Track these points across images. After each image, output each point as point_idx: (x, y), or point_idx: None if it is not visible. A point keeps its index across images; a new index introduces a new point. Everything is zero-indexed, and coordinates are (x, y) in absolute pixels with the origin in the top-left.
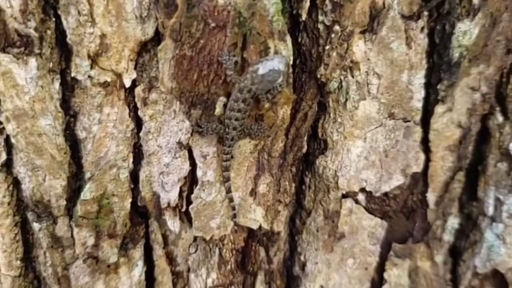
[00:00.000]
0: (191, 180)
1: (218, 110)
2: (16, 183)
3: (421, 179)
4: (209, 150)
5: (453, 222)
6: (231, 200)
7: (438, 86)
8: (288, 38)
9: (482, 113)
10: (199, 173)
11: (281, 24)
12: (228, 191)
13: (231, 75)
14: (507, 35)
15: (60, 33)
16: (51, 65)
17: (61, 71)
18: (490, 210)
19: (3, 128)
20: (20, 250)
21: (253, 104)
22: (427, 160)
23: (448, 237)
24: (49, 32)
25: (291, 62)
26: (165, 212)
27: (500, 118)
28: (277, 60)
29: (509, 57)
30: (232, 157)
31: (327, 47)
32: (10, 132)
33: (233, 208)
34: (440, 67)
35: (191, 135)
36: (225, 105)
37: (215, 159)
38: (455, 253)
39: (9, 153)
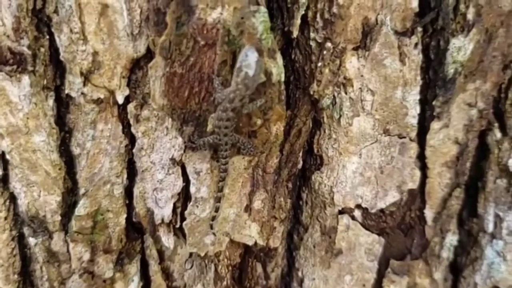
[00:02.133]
0: (185, 196)
1: (210, 127)
2: (12, 198)
3: (419, 196)
4: (202, 167)
5: (452, 239)
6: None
7: (434, 102)
8: (278, 56)
9: (480, 129)
10: (192, 189)
11: (270, 42)
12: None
13: (219, 97)
14: (503, 50)
15: (55, 50)
16: (45, 82)
17: (56, 88)
18: (490, 227)
19: None
20: (18, 264)
21: (246, 120)
22: (424, 177)
23: (447, 254)
24: (42, 49)
25: (282, 79)
26: (159, 228)
27: (498, 134)
28: (250, 53)
29: (507, 73)
30: (226, 170)
31: (319, 64)
32: (5, 148)
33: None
34: (435, 83)
35: (184, 151)
36: None
37: (209, 175)
38: (456, 270)
39: (5, 168)
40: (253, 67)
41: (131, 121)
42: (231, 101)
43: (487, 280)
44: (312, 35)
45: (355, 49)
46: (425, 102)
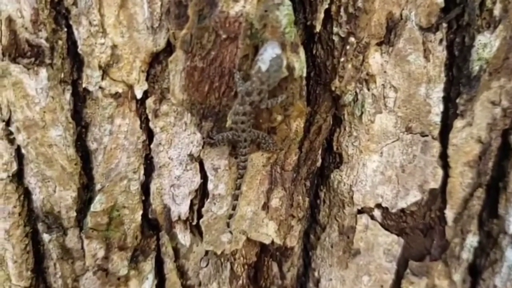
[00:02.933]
0: (202, 193)
1: (229, 122)
2: (27, 194)
3: (440, 196)
4: (220, 163)
5: (472, 240)
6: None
7: (457, 100)
8: (301, 50)
9: (503, 128)
10: (210, 186)
11: (294, 36)
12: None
13: (241, 91)
14: None
15: (72, 43)
16: (62, 75)
17: (73, 82)
18: (511, 228)
19: (14, 138)
20: (31, 261)
21: (266, 116)
22: (446, 176)
23: (467, 255)
24: (60, 42)
25: (304, 74)
26: (176, 225)
27: None
28: (270, 48)
29: None
30: (245, 167)
31: (342, 59)
32: (21, 142)
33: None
34: (459, 80)
35: (202, 147)
36: None
37: (227, 172)
38: (475, 272)
39: (20, 163)
40: (266, 62)
41: (150, 116)
42: (249, 94)
43: (508, 282)
44: (335, 29)
45: (379, 44)
46: (448, 100)
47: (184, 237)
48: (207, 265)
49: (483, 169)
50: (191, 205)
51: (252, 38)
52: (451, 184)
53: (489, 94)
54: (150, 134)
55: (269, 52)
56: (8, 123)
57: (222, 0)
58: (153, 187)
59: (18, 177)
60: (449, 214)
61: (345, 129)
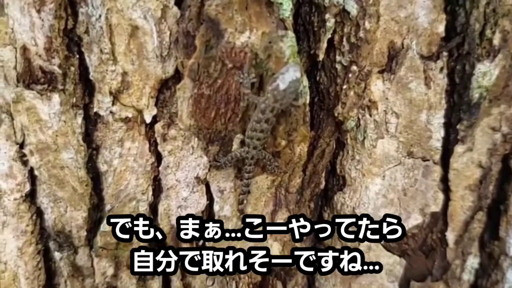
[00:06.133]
0: (208, 214)
1: (235, 147)
2: (39, 213)
3: (441, 218)
4: (226, 185)
5: (473, 261)
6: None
7: (458, 126)
8: (304, 79)
9: (503, 153)
10: (216, 207)
11: (298, 64)
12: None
13: (247, 94)
14: None
15: (84, 69)
16: (74, 100)
17: (85, 106)
18: None
19: (27, 160)
20: (43, 277)
21: (270, 141)
22: (447, 199)
23: (467, 277)
24: (72, 68)
25: (307, 101)
26: (182, 245)
27: None
28: (292, 70)
29: None
30: (249, 191)
31: (344, 86)
32: (34, 164)
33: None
34: (460, 107)
35: (209, 170)
36: (242, 142)
37: (232, 194)
38: None
39: (33, 183)
40: (286, 82)
41: (158, 140)
42: (263, 112)
43: None
44: (338, 58)
45: (381, 72)
46: (449, 126)
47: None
48: (213, 283)
49: (483, 193)
50: None
51: (257, 67)
52: (452, 207)
53: (489, 120)
54: (158, 157)
55: (291, 74)
56: (22, 145)
57: (228, 31)
58: (161, 208)
59: (31, 197)
60: (450, 236)
61: (348, 153)
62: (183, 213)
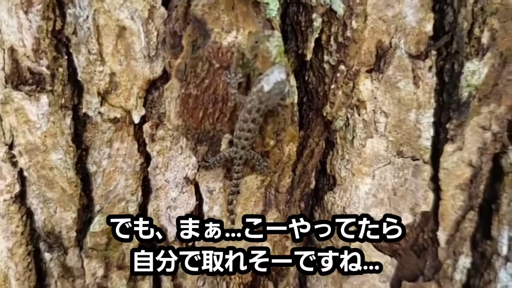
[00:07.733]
0: (198, 214)
1: (224, 146)
2: (29, 214)
3: (432, 218)
4: (215, 186)
5: (465, 261)
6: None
7: (448, 125)
8: (292, 78)
9: (494, 152)
10: (205, 208)
11: (284, 65)
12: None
13: (234, 94)
14: None
15: (73, 70)
16: (63, 101)
17: (74, 107)
18: (504, 250)
19: (17, 161)
20: (33, 278)
21: (259, 141)
22: (437, 199)
23: (459, 276)
24: (61, 69)
25: (295, 101)
26: (172, 245)
27: None
28: (277, 71)
29: None
30: (239, 191)
31: (332, 86)
32: (23, 165)
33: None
34: (449, 106)
35: (198, 170)
36: (230, 142)
37: (222, 194)
38: None
39: (23, 184)
40: (270, 84)
41: (147, 140)
42: (249, 112)
43: None
44: (325, 57)
45: (369, 71)
46: (439, 125)
47: None
48: (203, 284)
49: (474, 192)
50: None
51: (244, 67)
52: (443, 207)
53: (479, 119)
54: (147, 158)
55: (275, 75)
56: (11, 147)
57: (215, 31)
58: (150, 208)
59: (20, 198)
60: (442, 236)
61: (337, 153)
62: (173, 214)
